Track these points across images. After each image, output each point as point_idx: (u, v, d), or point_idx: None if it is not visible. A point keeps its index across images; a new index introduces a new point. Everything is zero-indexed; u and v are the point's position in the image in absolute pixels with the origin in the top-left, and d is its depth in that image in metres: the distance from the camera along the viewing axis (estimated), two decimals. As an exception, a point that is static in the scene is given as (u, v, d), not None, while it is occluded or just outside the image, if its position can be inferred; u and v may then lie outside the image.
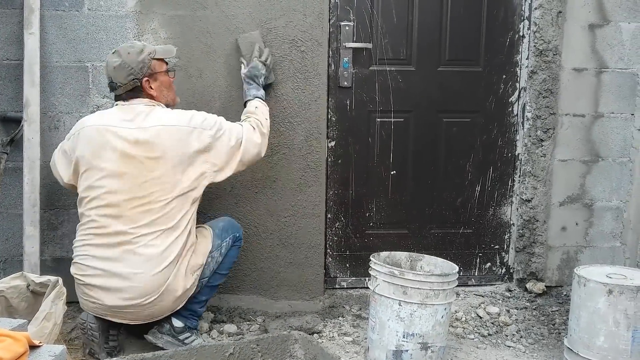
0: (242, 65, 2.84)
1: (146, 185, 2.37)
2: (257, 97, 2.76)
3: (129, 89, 2.49)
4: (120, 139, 2.40)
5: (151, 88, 2.52)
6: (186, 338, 2.61)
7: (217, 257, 2.59)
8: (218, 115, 2.60)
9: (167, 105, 2.58)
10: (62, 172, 2.57)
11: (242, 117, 2.70)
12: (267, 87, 2.86)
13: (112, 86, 2.52)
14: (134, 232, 2.36)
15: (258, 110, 2.71)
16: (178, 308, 2.50)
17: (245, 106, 2.76)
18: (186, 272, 2.44)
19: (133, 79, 2.48)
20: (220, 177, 2.53)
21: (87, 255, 2.40)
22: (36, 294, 2.33)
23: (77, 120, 2.86)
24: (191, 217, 2.48)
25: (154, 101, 2.52)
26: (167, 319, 2.58)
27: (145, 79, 2.51)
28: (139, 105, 2.49)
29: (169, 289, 2.39)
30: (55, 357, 1.57)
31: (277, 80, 2.95)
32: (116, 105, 2.54)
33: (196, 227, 2.57)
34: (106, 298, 2.37)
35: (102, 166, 2.39)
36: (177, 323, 2.59)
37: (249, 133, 2.59)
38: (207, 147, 2.46)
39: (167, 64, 2.63)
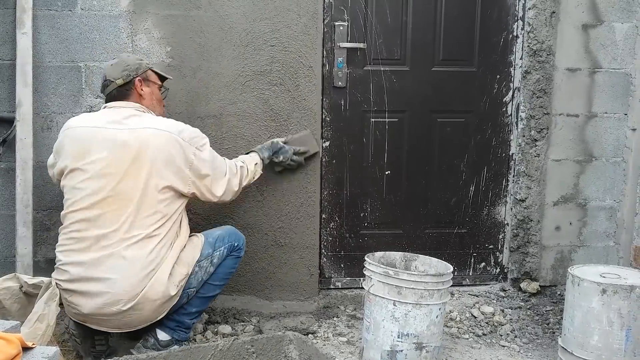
0: (282, 139, 2.91)
1: (129, 188, 2.31)
2: (263, 157, 2.80)
3: (120, 84, 2.46)
4: (107, 140, 2.34)
5: (142, 90, 2.50)
6: None
7: (206, 266, 2.49)
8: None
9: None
10: (52, 172, 2.56)
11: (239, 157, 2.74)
12: (272, 163, 2.89)
13: (105, 84, 2.50)
14: (114, 237, 2.29)
15: (252, 167, 2.72)
16: (159, 318, 2.42)
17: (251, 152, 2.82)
18: (168, 281, 2.35)
19: (127, 74, 2.47)
20: (193, 191, 2.46)
21: (67, 260, 2.34)
22: (29, 296, 2.31)
23: (70, 121, 2.87)
24: (174, 223, 2.40)
25: (143, 107, 2.49)
26: (152, 331, 2.51)
27: (139, 78, 2.49)
28: (128, 108, 2.45)
29: (147, 297, 2.31)
30: (48, 358, 1.56)
31: (271, 81, 2.95)
32: (104, 107, 2.50)
33: (189, 235, 2.52)
34: (84, 304, 2.30)
35: (86, 168, 2.34)
36: (163, 336, 2.50)
37: (231, 179, 2.58)
38: (191, 161, 2.40)
39: (162, 83, 2.63)
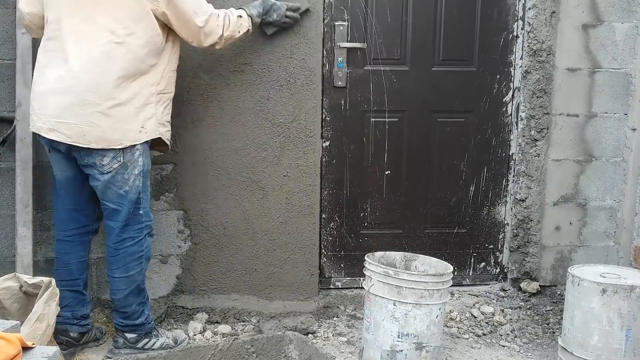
0: None
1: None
2: (251, 14, 2.66)
3: None
4: None
5: None
6: (145, 344, 2.56)
7: (137, 183, 2.44)
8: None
9: None
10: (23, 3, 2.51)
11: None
12: (265, 25, 2.80)
13: None
14: (82, 47, 2.28)
15: (234, 19, 2.57)
16: (112, 146, 2.36)
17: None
18: (135, 117, 2.35)
19: None
20: (165, 14, 2.38)
21: (40, 69, 2.38)
22: (29, 295, 2.31)
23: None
24: (147, 45, 2.36)
25: None
26: (118, 332, 2.56)
27: None
28: None
29: (113, 113, 2.30)
30: (48, 358, 1.56)
31: (270, 80, 2.95)
32: None
33: None
34: (51, 100, 2.31)
35: None
36: (130, 335, 2.55)
37: (212, 22, 2.48)
38: None
39: None
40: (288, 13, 2.80)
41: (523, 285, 3.31)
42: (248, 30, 2.65)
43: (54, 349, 1.62)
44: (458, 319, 3.08)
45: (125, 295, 2.51)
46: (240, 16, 2.60)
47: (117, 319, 2.57)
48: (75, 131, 2.31)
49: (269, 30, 2.85)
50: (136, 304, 2.54)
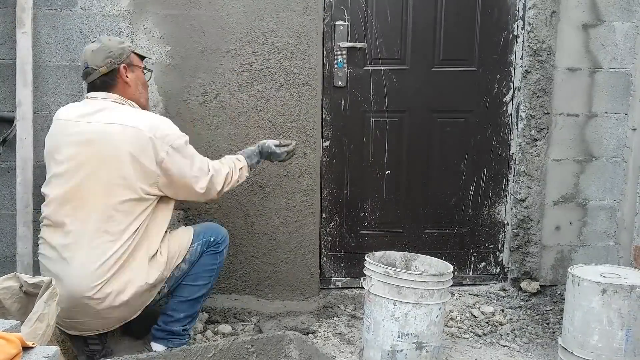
0: (274, 142, 2.69)
1: (90, 184, 2.23)
2: (251, 164, 2.63)
3: (104, 72, 2.35)
4: (73, 135, 2.29)
5: (127, 77, 2.39)
6: None
7: (180, 266, 2.41)
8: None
9: (140, 106, 2.44)
10: None
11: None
12: (266, 156, 2.71)
13: (87, 72, 2.37)
14: (75, 237, 2.23)
15: (236, 175, 2.53)
16: (135, 315, 2.35)
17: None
18: (139, 276, 2.27)
19: (111, 61, 2.35)
20: (166, 193, 2.34)
21: (42, 253, 2.34)
22: (29, 295, 2.30)
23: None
24: (142, 224, 2.28)
25: (123, 99, 2.37)
26: (146, 345, 2.50)
27: (123, 65, 2.38)
28: (107, 100, 2.35)
29: (114, 290, 2.23)
30: (48, 358, 1.55)
31: (270, 80, 2.95)
32: (86, 97, 2.42)
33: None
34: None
35: (58, 160, 2.31)
36: (158, 348, 2.45)
37: (213, 180, 2.42)
38: (162, 160, 2.27)
39: (144, 64, 2.53)
40: (286, 157, 2.72)
41: (523, 285, 3.31)
42: (246, 177, 2.62)
43: (54, 348, 1.62)
44: (458, 318, 3.08)
45: (182, 301, 2.46)
46: (242, 168, 2.57)
47: (157, 323, 2.49)
48: None
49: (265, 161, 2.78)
50: (185, 314, 2.47)
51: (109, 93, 2.37)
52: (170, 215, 2.42)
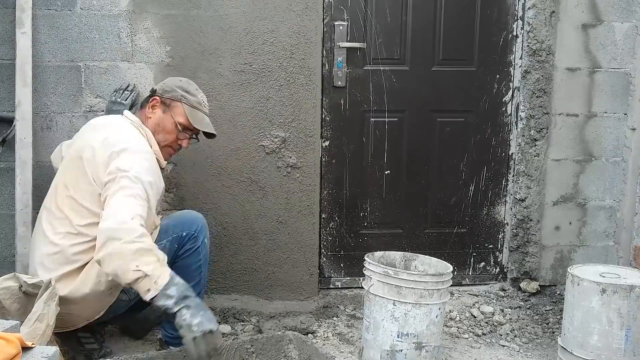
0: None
1: (64, 201, 2.25)
2: (170, 277, 1.93)
3: (149, 93, 2.47)
4: (74, 146, 2.38)
5: (151, 109, 2.38)
6: None
7: None
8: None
9: (152, 145, 2.34)
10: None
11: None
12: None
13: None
14: (38, 231, 2.30)
15: (154, 261, 1.93)
16: (97, 317, 2.28)
17: None
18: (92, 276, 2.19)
19: (154, 89, 2.44)
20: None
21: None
22: (29, 295, 2.31)
23: (69, 120, 2.89)
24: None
25: (141, 125, 2.35)
26: (163, 347, 2.47)
27: (158, 98, 2.38)
28: (127, 119, 2.37)
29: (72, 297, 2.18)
30: (48, 358, 1.55)
31: (270, 80, 2.95)
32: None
33: None
34: None
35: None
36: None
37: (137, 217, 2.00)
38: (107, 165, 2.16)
39: (191, 133, 2.42)
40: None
41: (523, 285, 3.31)
42: (147, 290, 1.88)
43: (54, 348, 1.62)
44: (458, 318, 3.08)
45: None
46: (157, 266, 1.91)
47: (167, 331, 2.45)
48: None
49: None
50: None
51: (134, 114, 2.42)
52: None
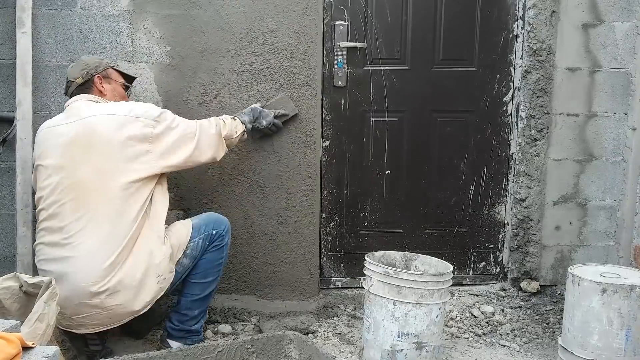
0: (259, 104, 2.87)
1: (84, 175, 2.28)
2: (243, 120, 2.74)
3: (80, 83, 2.49)
4: (59, 136, 2.35)
5: (102, 86, 2.52)
6: None
7: (181, 261, 2.43)
8: (218, 116, 2.63)
9: None
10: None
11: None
12: (254, 130, 2.84)
13: (67, 86, 2.54)
14: (75, 226, 2.25)
15: (229, 121, 2.67)
16: (143, 310, 2.34)
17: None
18: (146, 270, 2.29)
19: (85, 72, 2.49)
20: (166, 165, 2.39)
21: (42, 259, 2.34)
22: (29, 295, 2.31)
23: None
24: (140, 209, 2.31)
25: (99, 97, 2.49)
26: (164, 342, 2.54)
27: (98, 76, 2.51)
28: (81, 101, 2.44)
29: (123, 283, 2.25)
30: (48, 358, 1.56)
31: (270, 80, 2.95)
32: (66, 106, 2.49)
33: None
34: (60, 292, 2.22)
35: (46, 164, 2.35)
36: (175, 345, 2.51)
37: (205, 127, 2.53)
38: (149, 135, 2.35)
39: (126, 83, 2.63)
40: (275, 121, 2.87)
41: (523, 284, 3.31)
42: (244, 134, 2.74)
43: (54, 348, 1.62)
44: (458, 318, 3.08)
45: (195, 299, 2.52)
46: (234, 118, 2.70)
47: (172, 322, 2.54)
48: None
49: (255, 135, 2.90)
50: (199, 310, 2.55)
51: (84, 94, 2.47)
52: (168, 201, 2.46)
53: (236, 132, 2.68)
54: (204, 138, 2.51)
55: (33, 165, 2.49)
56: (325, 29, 3.09)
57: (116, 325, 2.37)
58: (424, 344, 2.47)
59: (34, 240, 2.78)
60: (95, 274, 2.23)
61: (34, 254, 2.78)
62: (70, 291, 2.25)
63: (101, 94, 2.51)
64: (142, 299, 2.32)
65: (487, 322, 3.05)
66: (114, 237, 2.26)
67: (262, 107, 2.86)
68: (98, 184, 2.28)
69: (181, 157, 2.45)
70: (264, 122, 2.83)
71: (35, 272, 2.74)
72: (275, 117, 2.88)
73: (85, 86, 2.50)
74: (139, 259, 2.29)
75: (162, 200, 2.43)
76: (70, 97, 2.51)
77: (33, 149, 2.56)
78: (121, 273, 2.26)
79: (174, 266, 2.40)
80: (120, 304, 2.28)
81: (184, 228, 2.48)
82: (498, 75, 3.28)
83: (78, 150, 2.31)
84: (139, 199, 2.32)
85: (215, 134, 2.56)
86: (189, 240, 2.46)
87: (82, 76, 2.49)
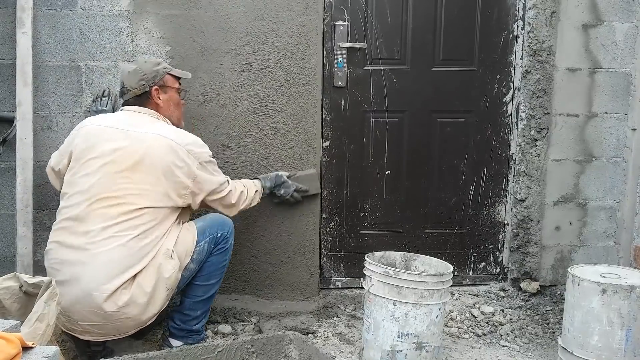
0: (286, 174, 2.91)
1: (123, 185, 2.29)
2: (264, 186, 2.79)
3: (137, 94, 2.49)
4: (111, 140, 2.35)
5: (159, 98, 2.51)
6: None
7: (188, 266, 2.45)
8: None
9: (172, 123, 2.55)
10: (54, 160, 2.55)
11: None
12: (271, 194, 2.87)
13: (123, 91, 2.52)
14: (100, 234, 2.26)
15: (252, 192, 2.70)
16: (149, 321, 2.36)
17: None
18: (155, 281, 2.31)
19: (143, 84, 2.48)
20: (195, 203, 2.46)
21: (55, 258, 2.33)
22: (29, 295, 2.30)
23: (70, 120, 2.88)
24: (163, 233, 2.34)
25: (159, 114, 2.50)
26: (165, 341, 2.55)
27: (155, 87, 2.50)
28: (143, 114, 2.47)
29: (133, 298, 2.26)
30: (48, 358, 1.55)
31: (270, 80, 2.95)
32: (121, 109, 2.52)
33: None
34: (65, 294, 2.24)
35: (88, 163, 2.34)
36: (176, 344, 2.53)
37: (234, 190, 2.57)
38: (193, 173, 2.38)
39: (180, 85, 2.62)
40: (295, 195, 2.91)
41: (523, 285, 3.31)
42: (258, 202, 2.77)
43: (54, 348, 1.62)
44: (458, 318, 3.08)
45: (198, 301, 2.54)
46: (257, 191, 2.73)
47: (174, 322, 2.57)
48: None
49: (273, 199, 2.93)
50: (201, 311, 2.57)
51: (143, 107, 2.49)
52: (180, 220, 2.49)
53: (251, 204, 2.70)
54: (228, 200, 2.56)
55: (67, 148, 2.45)
56: (326, 29, 3.09)
57: (122, 337, 2.38)
58: (424, 344, 2.47)
59: (34, 240, 2.79)
60: (109, 288, 2.23)
61: (34, 254, 2.79)
62: (81, 297, 2.25)
63: (157, 106, 2.51)
64: (150, 311, 2.34)
65: (487, 323, 3.05)
66: (133, 254, 2.27)
67: (288, 177, 2.89)
68: (137, 203, 2.29)
69: (202, 204, 2.49)
70: (282, 192, 2.87)
71: (35, 271, 2.74)
72: (296, 190, 2.91)
73: (142, 97, 2.50)
74: (149, 273, 2.30)
75: (178, 223, 2.45)
76: (125, 102, 2.52)
77: (68, 137, 2.51)
78: (133, 288, 2.27)
79: (179, 275, 2.41)
80: (129, 317, 2.30)
81: (189, 234, 2.47)
82: (498, 76, 3.28)
83: (125, 162, 2.31)
84: (166, 223, 2.35)
85: (233, 203, 2.58)
86: (195, 245, 2.46)
87: (140, 87, 2.48)
